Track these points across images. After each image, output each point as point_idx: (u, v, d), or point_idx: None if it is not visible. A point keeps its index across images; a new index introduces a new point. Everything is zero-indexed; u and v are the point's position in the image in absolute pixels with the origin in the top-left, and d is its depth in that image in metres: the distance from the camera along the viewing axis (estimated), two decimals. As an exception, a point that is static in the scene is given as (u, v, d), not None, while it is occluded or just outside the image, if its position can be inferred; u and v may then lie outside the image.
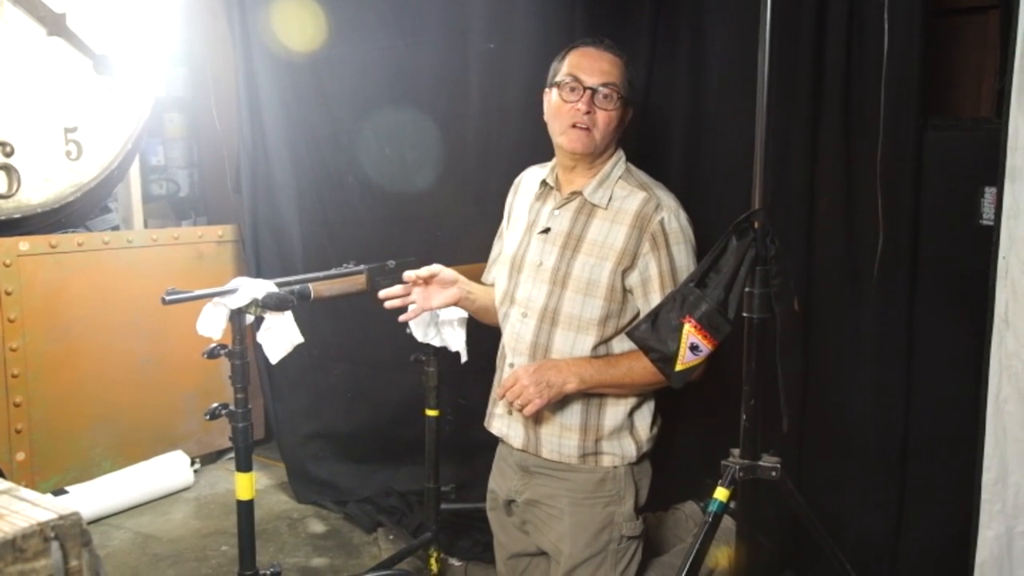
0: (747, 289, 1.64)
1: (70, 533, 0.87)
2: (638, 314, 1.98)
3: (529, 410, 1.94)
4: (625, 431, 2.02)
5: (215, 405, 1.96)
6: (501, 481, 2.18)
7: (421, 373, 2.41)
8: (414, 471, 2.83)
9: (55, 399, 2.92)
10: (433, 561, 2.50)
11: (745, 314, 1.65)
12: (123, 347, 3.09)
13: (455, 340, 2.29)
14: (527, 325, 2.05)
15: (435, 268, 2.09)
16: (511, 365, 2.08)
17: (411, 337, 2.30)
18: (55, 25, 2.87)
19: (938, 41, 2.12)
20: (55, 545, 0.86)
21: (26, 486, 0.99)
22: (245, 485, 2.00)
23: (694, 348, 1.65)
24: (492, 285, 2.24)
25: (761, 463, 1.71)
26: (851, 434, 2.17)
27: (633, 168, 2.07)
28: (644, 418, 2.05)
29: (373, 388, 3.02)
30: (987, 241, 1.61)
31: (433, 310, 2.17)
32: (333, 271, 2.19)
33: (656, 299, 1.94)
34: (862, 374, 2.14)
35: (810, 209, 2.18)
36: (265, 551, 2.70)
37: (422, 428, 2.45)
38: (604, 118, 1.96)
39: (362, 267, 2.22)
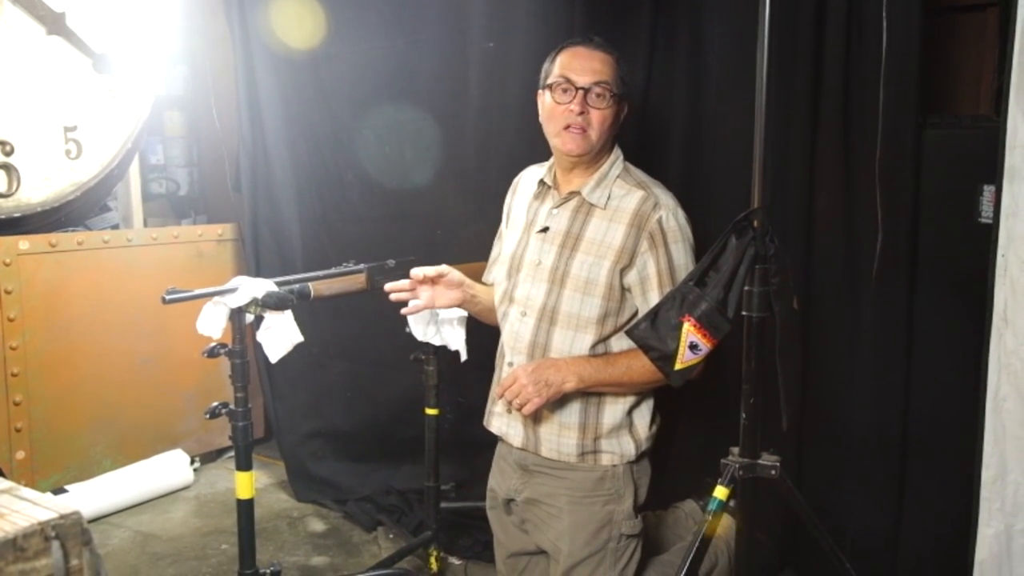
0: (746, 288, 1.64)
1: (71, 532, 0.87)
2: (636, 313, 1.98)
3: (528, 409, 1.94)
4: (624, 429, 2.03)
5: (215, 404, 1.96)
6: (500, 480, 2.18)
7: (421, 372, 2.41)
8: (414, 470, 2.83)
9: (55, 398, 2.92)
10: (433, 560, 2.50)
11: (744, 313, 1.65)
12: (123, 346, 3.09)
13: (455, 339, 2.30)
14: (526, 324, 2.05)
15: (443, 269, 2.10)
16: (510, 364, 2.08)
17: (411, 336, 2.30)
18: (55, 24, 2.87)
19: (937, 39, 2.12)
20: (56, 544, 0.86)
21: (26, 485, 0.99)
22: (245, 484, 2.01)
23: (693, 347, 1.65)
24: (492, 285, 2.24)
25: (761, 461, 1.71)
26: (850, 432, 2.17)
27: (631, 167, 2.07)
28: (643, 416, 2.05)
29: (373, 387, 3.02)
30: (986, 239, 1.61)
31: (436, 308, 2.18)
32: (333, 270, 2.19)
33: (654, 297, 1.94)
34: (861, 372, 2.14)
35: (809, 207, 2.18)
36: (265, 550, 2.70)
37: (422, 427, 2.46)
38: (598, 117, 1.96)
39: (362, 266, 2.22)
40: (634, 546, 2.03)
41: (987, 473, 1.61)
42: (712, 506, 1.70)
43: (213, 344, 1.94)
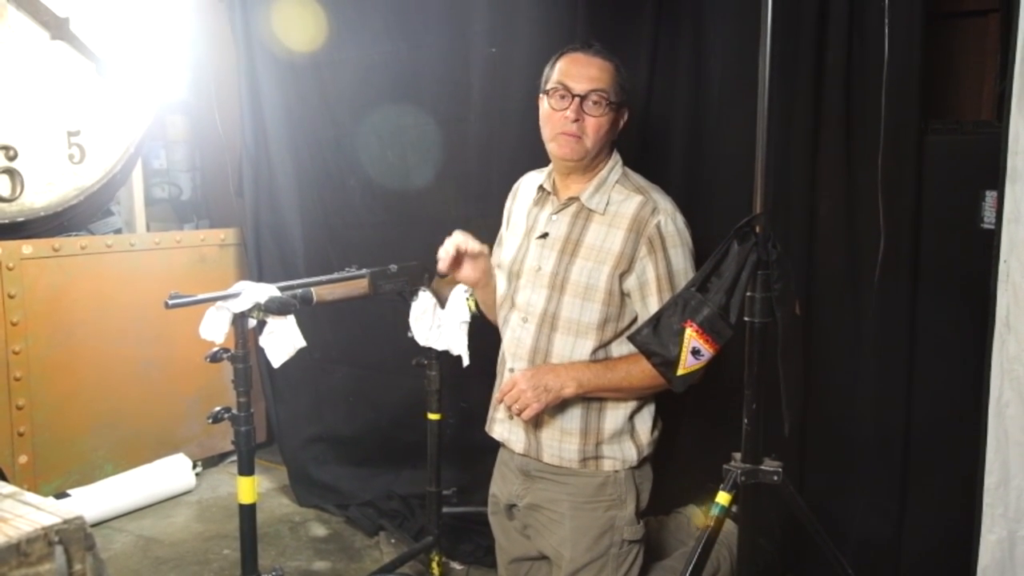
0: (748, 293, 1.64)
1: (74, 537, 0.87)
2: (636, 318, 1.98)
3: (527, 414, 1.94)
4: (625, 435, 2.02)
5: (217, 408, 1.96)
6: (502, 485, 2.18)
7: (423, 377, 2.41)
8: (416, 475, 2.83)
9: (58, 402, 2.92)
10: (435, 565, 2.50)
11: (747, 318, 1.65)
12: (126, 351, 3.10)
13: (457, 343, 2.30)
14: (527, 330, 2.05)
15: (484, 248, 2.14)
16: (511, 370, 2.08)
17: (413, 340, 2.31)
18: (58, 29, 2.88)
19: (939, 45, 2.13)
20: (59, 549, 0.86)
21: (28, 489, 0.99)
22: (247, 488, 2.01)
23: (696, 352, 1.65)
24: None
25: (763, 467, 1.71)
26: (853, 438, 2.17)
27: (630, 172, 2.07)
28: (644, 422, 2.05)
29: (375, 392, 3.02)
30: (988, 245, 1.61)
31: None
32: (335, 275, 2.19)
33: (653, 302, 1.94)
34: (863, 378, 2.14)
35: (811, 213, 2.19)
36: (267, 555, 2.70)
37: (424, 432, 2.46)
38: (593, 125, 1.96)
39: (364, 271, 2.22)
40: (636, 552, 2.03)
41: (990, 479, 1.61)
42: (714, 511, 1.70)
43: (216, 349, 1.95)
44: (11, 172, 2.80)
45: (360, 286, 2.20)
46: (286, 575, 2.35)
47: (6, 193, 2.79)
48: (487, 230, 2.36)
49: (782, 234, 1.71)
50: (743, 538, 1.76)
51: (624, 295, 1.98)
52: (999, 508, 1.60)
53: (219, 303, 1.94)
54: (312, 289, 2.10)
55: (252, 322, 1.99)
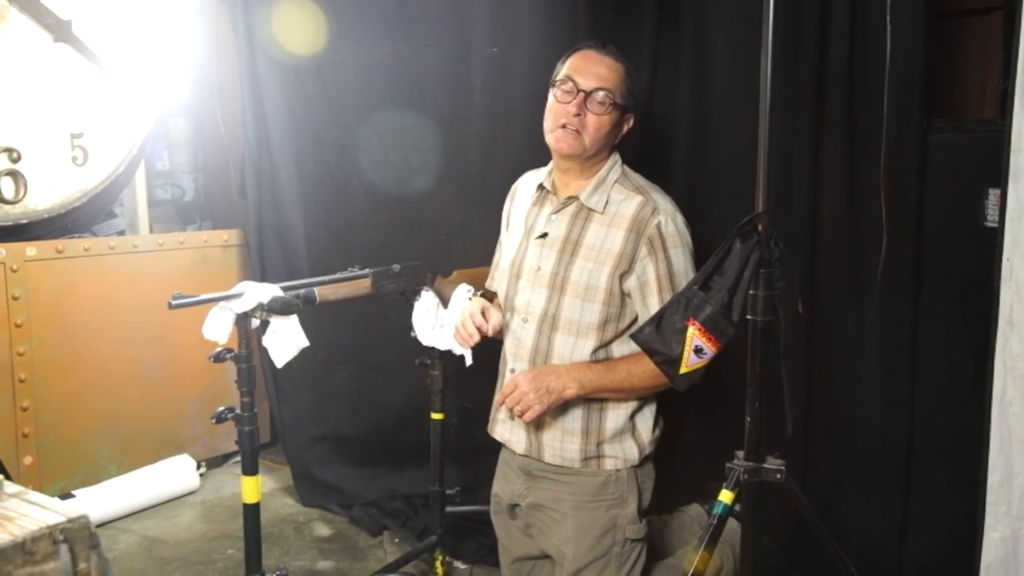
0: (751, 292, 1.64)
1: (79, 536, 0.88)
2: (637, 318, 1.98)
3: (529, 416, 1.94)
4: (627, 434, 2.02)
5: (221, 409, 1.97)
6: (505, 485, 2.18)
7: (426, 376, 2.41)
8: (419, 474, 2.84)
9: (62, 403, 2.93)
10: (438, 564, 2.50)
11: (749, 316, 1.65)
12: (129, 351, 3.10)
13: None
14: (527, 331, 2.05)
15: (497, 323, 2.09)
16: (512, 371, 2.08)
17: (416, 340, 2.31)
18: (61, 32, 2.89)
19: (942, 43, 2.12)
20: (64, 548, 0.87)
21: (33, 490, 1.00)
22: (251, 488, 2.01)
23: (698, 351, 1.65)
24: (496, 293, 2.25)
25: (766, 465, 1.71)
26: (856, 436, 2.17)
27: (629, 171, 2.07)
28: (646, 421, 2.05)
29: (378, 391, 3.03)
30: (991, 243, 1.61)
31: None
32: (338, 275, 2.19)
33: (654, 302, 1.94)
34: (866, 376, 2.13)
35: (814, 211, 2.18)
36: (271, 554, 2.70)
37: (427, 431, 2.46)
38: (594, 123, 1.96)
39: (367, 271, 2.22)
40: (639, 550, 2.03)
41: (993, 477, 1.61)
42: (717, 510, 1.70)
43: (219, 349, 1.95)
44: (14, 174, 2.81)
45: (363, 286, 2.20)
46: (290, 575, 2.35)
47: (10, 195, 2.80)
48: (488, 231, 2.37)
49: (784, 232, 1.70)
50: (746, 536, 1.76)
51: (624, 295, 1.98)
52: (1002, 506, 1.60)
53: (222, 303, 1.94)
54: (315, 289, 2.10)
55: (255, 322, 1.99)
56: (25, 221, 2.85)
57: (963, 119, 2.13)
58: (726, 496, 1.71)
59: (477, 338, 2.08)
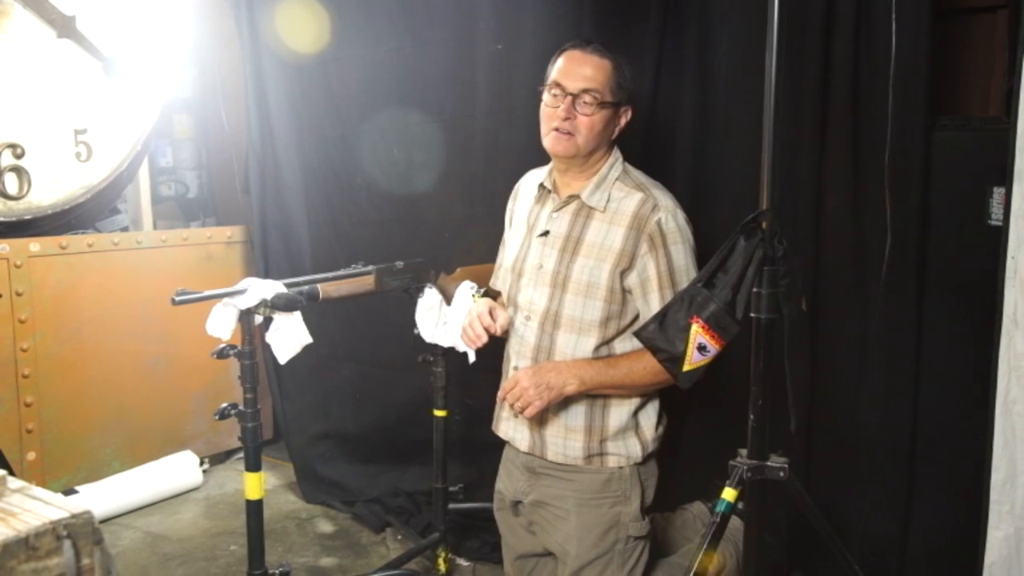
0: (755, 289, 1.64)
1: (82, 532, 0.88)
2: (639, 315, 1.98)
3: (529, 412, 1.94)
4: (630, 431, 2.02)
5: (224, 405, 1.97)
6: (508, 482, 2.18)
7: (429, 373, 2.41)
8: (422, 471, 2.84)
9: (65, 399, 2.94)
10: (441, 561, 2.50)
11: (753, 314, 1.65)
12: (133, 347, 3.11)
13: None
14: (530, 328, 2.05)
15: (504, 322, 2.08)
16: (515, 368, 2.08)
17: (419, 337, 2.31)
18: (65, 27, 2.89)
19: (947, 41, 2.12)
20: (67, 543, 0.86)
21: (36, 486, 0.99)
22: (254, 485, 2.01)
23: (702, 348, 1.65)
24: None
25: (769, 463, 1.71)
26: (859, 434, 2.17)
27: (630, 168, 2.07)
28: (649, 418, 2.05)
29: (381, 388, 3.03)
30: (996, 241, 1.61)
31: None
32: (342, 272, 2.19)
33: (655, 299, 1.94)
34: (870, 374, 2.13)
35: (818, 209, 2.18)
36: (274, 551, 2.71)
37: (430, 428, 2.46)
38: (586, 123, 1.96)
39: (370, 268, 2.22)
40: (642, 548, 2.03)
41: (996, 476, 1.60)
42: (720, 507, 1.70)
43: (222, 345, 1.95)
44: (18, 170, 2.81)
45: (366, 283, 2.20)
46: (293, 571, 2.36)
47: (13, 191, 2.80)
48: (491, 228, 2.37)
49: (789, 230, 1.70)
50: (749, 534, 1.76)
51: (626, 292, 1.98)
52: (1006, 505, 1.60)
53: (226, 300, 1.94)
54: (318, 285, 2.10)
55: (258, 318, 1.99)
56: (29, 217, 2.85)
57: (968, 117, 2.13)
58: (729, 494, 1.71)
59: (485, 339, 2.07)
